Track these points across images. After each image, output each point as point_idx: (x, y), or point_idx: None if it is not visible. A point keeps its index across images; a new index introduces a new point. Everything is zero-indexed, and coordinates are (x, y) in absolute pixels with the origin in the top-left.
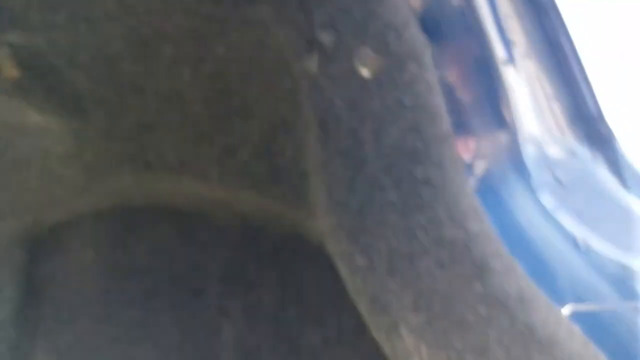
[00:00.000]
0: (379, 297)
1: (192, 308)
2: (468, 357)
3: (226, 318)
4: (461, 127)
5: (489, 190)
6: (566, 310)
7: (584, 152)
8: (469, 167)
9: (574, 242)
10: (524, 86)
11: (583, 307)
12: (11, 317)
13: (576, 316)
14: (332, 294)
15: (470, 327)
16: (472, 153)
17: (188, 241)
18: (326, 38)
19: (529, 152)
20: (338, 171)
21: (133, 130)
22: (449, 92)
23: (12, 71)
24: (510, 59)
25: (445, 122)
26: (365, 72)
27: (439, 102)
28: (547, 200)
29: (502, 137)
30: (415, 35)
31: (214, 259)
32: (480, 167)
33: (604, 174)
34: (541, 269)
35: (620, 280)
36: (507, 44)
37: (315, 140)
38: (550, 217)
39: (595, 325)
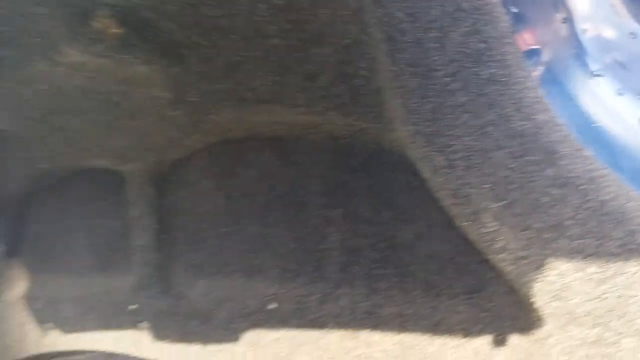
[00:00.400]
0: (460, 191)
1: (301, 219)
2: (546, 235)
3: (330, 225)
4: (520, 21)
5: (551, 79)
6: None
7: None
8: (531, 58)
9: (639, 122)
10: None
11: None
12: (152, 243)
13: None
14: (419, 195)
15: (545, 208)
16: (533, 44)
17: (289, 163)
18: None
19: (587, 38)
20: (409, 82)
21: (225, 70)
22: None
23: (115, 29)
24: None
25: (504, 20)
26: None
27: (496, 2)
28: (609, 83)
29: (561, 26)
30: None
31: (313, 176)
32: (541, 57)
33: None
34: (608, 150)
35: None
36: None
37: (385, 55)
38: (614, 99)
39: None
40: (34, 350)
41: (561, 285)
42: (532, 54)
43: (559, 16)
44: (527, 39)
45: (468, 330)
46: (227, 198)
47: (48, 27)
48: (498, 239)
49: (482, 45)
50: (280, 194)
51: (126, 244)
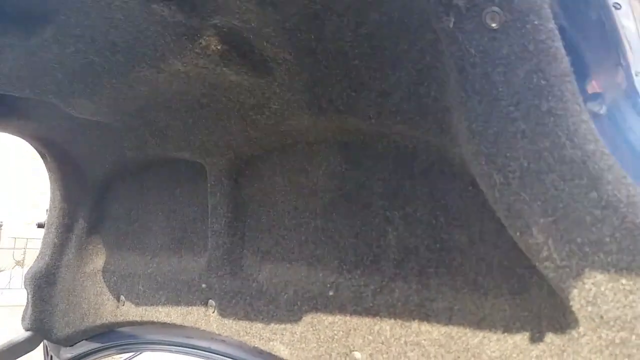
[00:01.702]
0: (513, 206)
1: (362, 217)
2: (586, 249)
3: (390, 225)
4: (580, 67)
5: (608, 117)
6: None
7: None
8: (595, 100)
9: None
10: (634, 26)
11: None
12: (225, 229)
13: None
14: (474, 204)
15: (588, 226)
16: (597, 89)
17: (355, 167)
18: (460, 2)
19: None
20: (476, 108)
21: (308, 83)
22: (566, 37)
23: (216, 46)
24: (619, 4)
25: (564, 62)
26: (493, 25)
27: (559, 45)
28: None
29: (617, 74)
30: None
31: (377, 180)
32: (603, 99)
33: None
34: None
35: None
36: None
37: (455, 83)
38: None
39: None
40: (109, 319)
41: (596, 292)
42: (596, 97)
43: (619, 67)
44: (593, 86)
45: (509, 326)
46: (295, 194)
47: (158, 42)
48: (544, 249)
49: (544, 82)
50: (345, 193)
51: (200, 229)
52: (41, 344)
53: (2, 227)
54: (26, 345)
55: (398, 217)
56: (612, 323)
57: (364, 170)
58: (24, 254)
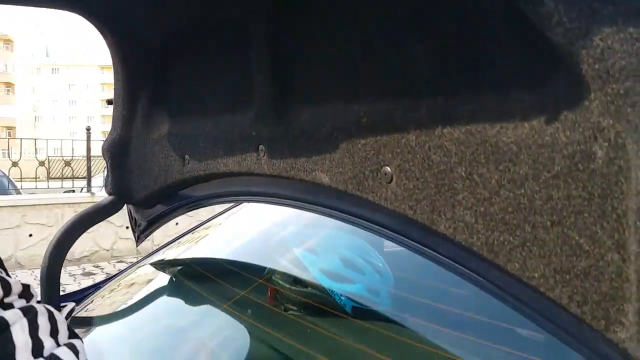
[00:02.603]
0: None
1: (395, 52)
2: (595, 5)
3: (421, 52)
4: None
5: None
6: None
7: None
8: None
9: None
10: None
11: None
12: (268, 81)
13: None
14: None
15: None
16: None
17: (389, 6)
18: None
19: None
20: None
21: None
22: None
23: None
24: None
25: None
26: None
27: None
28: None
29: None
30: None
31: (409, 14)
32: None
33: None
34: None
35: None
36: None
37: None
38: None
39: None
40: (177, 177)
41: (603, 47)
42: None
43: None
44: None
45: (527, 114)
46: (331, 44)
47: None
48: (554, 15)
49: None
50: (379, 34)
51: (247, 85)
52: (125, 208)
53: (91, 131)
54: (110, 208)
55: (430, 45)
56: (617, 75)
57: (398, 9)
58: None
